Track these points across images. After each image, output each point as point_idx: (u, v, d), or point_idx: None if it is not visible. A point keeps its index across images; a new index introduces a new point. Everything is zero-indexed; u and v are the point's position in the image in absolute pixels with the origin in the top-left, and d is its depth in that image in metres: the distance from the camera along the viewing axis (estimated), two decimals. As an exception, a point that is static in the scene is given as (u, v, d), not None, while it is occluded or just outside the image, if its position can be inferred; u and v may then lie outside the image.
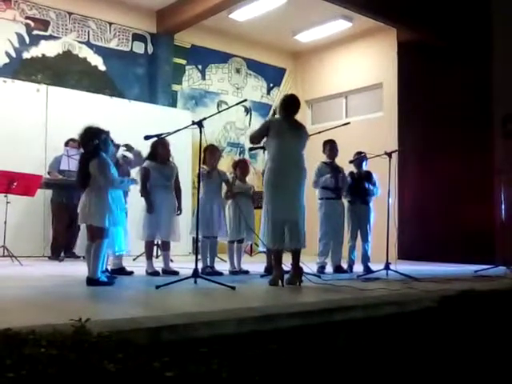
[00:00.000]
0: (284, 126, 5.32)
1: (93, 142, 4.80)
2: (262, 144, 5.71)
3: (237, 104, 6.01)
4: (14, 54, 9.16)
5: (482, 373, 3.01)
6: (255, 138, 5.60)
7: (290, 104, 5.51)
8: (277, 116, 5.58)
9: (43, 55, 9.46)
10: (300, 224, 5.24)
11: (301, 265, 5.25)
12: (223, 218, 6.36)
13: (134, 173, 6.09)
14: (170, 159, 6.24)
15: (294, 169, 5.27)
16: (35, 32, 9.39)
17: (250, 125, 12.09)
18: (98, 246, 4.72)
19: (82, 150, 5.02)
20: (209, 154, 6.27)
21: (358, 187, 7.06)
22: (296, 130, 5.38)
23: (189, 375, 2.06)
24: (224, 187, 6.51)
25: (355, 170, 7.16)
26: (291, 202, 5.20)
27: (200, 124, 5.02)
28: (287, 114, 5.44)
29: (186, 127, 5.37)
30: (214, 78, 11.71)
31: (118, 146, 5.50)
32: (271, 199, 5.24)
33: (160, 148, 6.09)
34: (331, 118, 11.75)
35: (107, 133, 4.98)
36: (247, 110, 12.10)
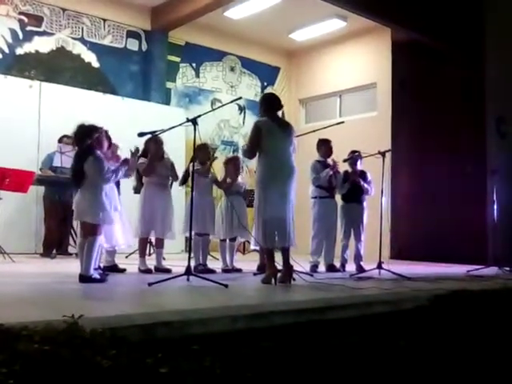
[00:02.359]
0: (272, 126, 5.29)
1: (86, 140, 4.79)
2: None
3: (231, 102, 5.97)
4: (7, 50, 9.12)
5: (474, 372, 3.02)
6: (252, 150, 5.38)
7: (274, 102, 5.49)
8: (263, 118, 5.50)
9: (36, 51, 9.42)
10: (289, 222, 5.25)
11: (293, 263, 5.26)
12: (213, 216, 6.36)
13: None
14: (165, 156, 6.22)
15: (284, 167, 5.28)
16: (29, 28, 9.35)
17: (243, 123, 12.09)
18: (91, 243, 4.71)
19: (76, 148, 4.99)
20: (199, 152, 6.27)
21: (352, 186, 7.06)
22: (284, 129, 5.38)
23: (182, 372, 2.06)
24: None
25: (349, 169, 7.17)
26: (281, 201, 5.20)
27: (194, 122, 5.02)
28: (273, 113, 5.41)
29: (180, 124, 5.37)
30: (208, 76, 11.70)
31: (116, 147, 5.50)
32: (263, 198, 5.23)
33: (152, 146, 6.08)
34: (325, 117, 11.75)
35: (102, 130, 4.98)
36: (241, 109, 12.10)
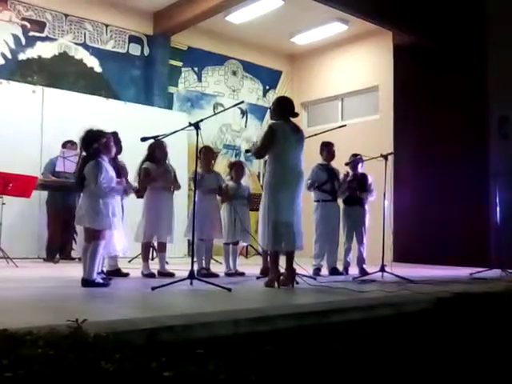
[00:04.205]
0: (287, 130, 5.30)
1: (93, 145, 4.79)
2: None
3: (233, 106, 5.99)
4: (9, 56, 9.15)
5: (477, 374, 3.02)
6: (263, 150, 5.38)
7: (289, 106, 5.50)
8: (275, 121, 5.51)
9: (39, 57, 9.46)
10: (296, 226, 5.26)
11: (296, 267, 5.26)
12: (219, 220, 6.37)
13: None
14: (167, 161, 6.24)
15: (294, 172, 5.29)
16: (31, 33, 9.38)
17: (245, 127, 12.11)
18: (95, 248, 4.72)
19: (83, 153, 4.98)
20: (203, 155, 6.29)
21: (352, 189, 7.05)
22: (296, 133, 5.38)
23: (186, 376, 2.06)
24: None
25: (351, 172, 7.16)
26: (290, 204, 5.22)
27: (196, 126, 5.03)
28: (287, 117, 5.42)
29: (182, 129, 5.37)
30: (211, 80, 11.72)
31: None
32: (271, 201, 5.23)
33: (157, 150, 6.11)
34: (327, 121, 11.77)
35: (110, 135, 4.99)
36: (243, 113, 12.11)
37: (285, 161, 5.25)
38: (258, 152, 5.49)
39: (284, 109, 5.46)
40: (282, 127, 5.32)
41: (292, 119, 5.48)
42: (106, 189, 4.78)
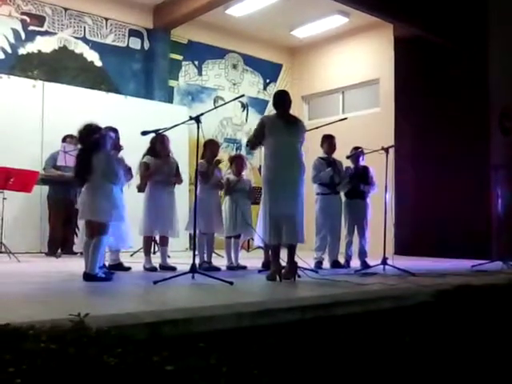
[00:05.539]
0: (278, 123, 5.33)
1: (93, 136, 4.79)
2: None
3: (234, 99, 5.99)
4: (9, 50, 9.13)
5: (478, 367, 3.02)
6: (254, 143, 5.56)
7: (281, 100, 5.54)
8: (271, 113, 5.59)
9: (39, 51, 9.44)
10: (297, 219, 5.26)
11: (298, 260, 5.27)
12: (220, 214, 6.37)
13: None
14: (170, 155, 6.23)
15: (291, 165, 5.28)
16: (31, 28, 9.36)
17: (246, 120, 12.09)
18: (98, 242, 4.72)
19: (79, 146, 5.00)
20: (209, 149, 6.28)
21: (355, 183, 7.05)
22: (292, 126, 5.39)
23: (188, 369, 2.07)
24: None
25: (352, 165, 7.16)
26: (288, 198, 5.22)
27: (197, 119, 5.02)
28: (280, 111, 5.46)
29: (183, 122, 5.37)
30: (211, 74, 11.70)
31: (120, 148, 5.57)
32: (269, 195, 5.25)
33: (158, 144, 6.10)
34: (328, 114, 11.74)
35: (108, 130, 5.01)
36: (244, 106, 12.09)
37: (278, 154, 5.27)
38: (250, 143, 5.69)
39: (275, 102, 5.55)
40: (273, 121, 5.38)
41: (293, 112, 5.50)
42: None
